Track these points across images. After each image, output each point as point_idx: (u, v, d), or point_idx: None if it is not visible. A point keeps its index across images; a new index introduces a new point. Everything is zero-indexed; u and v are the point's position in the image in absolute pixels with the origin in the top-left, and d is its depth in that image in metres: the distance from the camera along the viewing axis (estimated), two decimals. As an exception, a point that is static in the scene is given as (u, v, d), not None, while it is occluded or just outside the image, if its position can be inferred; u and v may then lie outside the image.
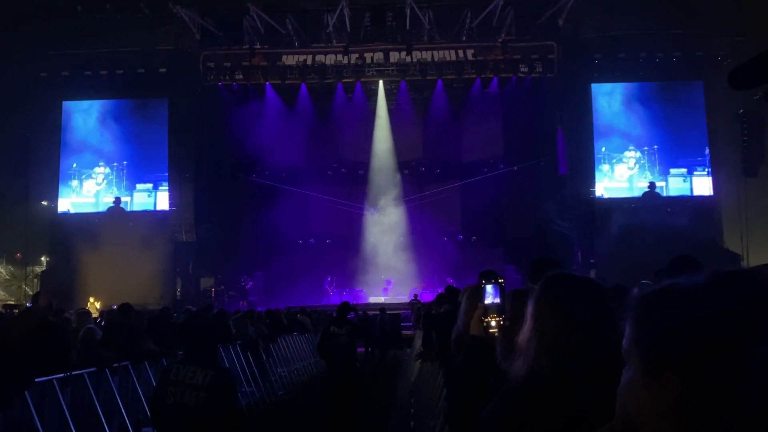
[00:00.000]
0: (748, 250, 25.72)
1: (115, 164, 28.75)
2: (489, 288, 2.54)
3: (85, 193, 28.83)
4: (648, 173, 27.66)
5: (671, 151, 27.71)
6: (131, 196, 28.66)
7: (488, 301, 2.55)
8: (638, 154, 27.78)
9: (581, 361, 1.78)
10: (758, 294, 1.01)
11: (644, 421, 1.05)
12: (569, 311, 1.86)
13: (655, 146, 27.62)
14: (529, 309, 1.94)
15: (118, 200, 28.14)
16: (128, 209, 28.33)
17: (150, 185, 28.71)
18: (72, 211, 28.64)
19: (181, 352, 6.23)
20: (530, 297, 1.99)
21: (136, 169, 28.68)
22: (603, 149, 27.76)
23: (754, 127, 26.75)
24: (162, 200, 28.54)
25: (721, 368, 0.97)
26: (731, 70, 1.11)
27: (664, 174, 27.72)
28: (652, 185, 27.22)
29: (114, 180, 28.78)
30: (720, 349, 0.98)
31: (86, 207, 28.57)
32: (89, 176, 28.84)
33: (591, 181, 27.33)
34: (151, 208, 28.53)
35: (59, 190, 28.81)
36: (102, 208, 28.30)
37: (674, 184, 27.73)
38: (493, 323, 2.50)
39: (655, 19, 26.90)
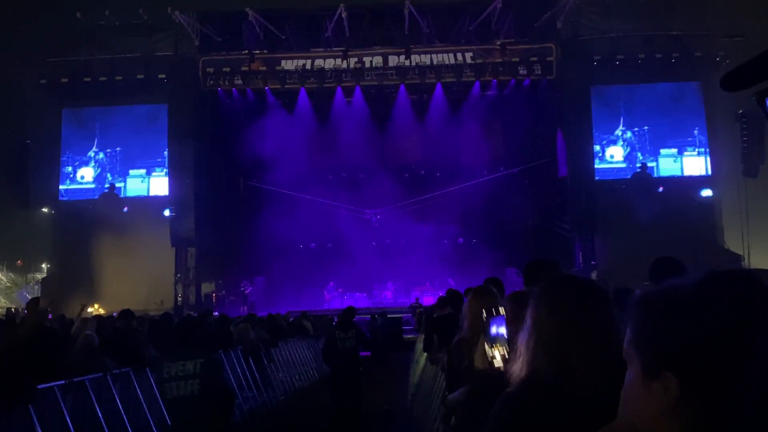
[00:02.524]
0: (749, 250, 25.69)
1: (108, 150, 28.87)
2: (492, 319, 2.39)
3: (79, 179, 28.90)
4: (639, 154, 27.86)
5: (662, 133, 27.85)
6: (125, 181, 28.80)
7: (493, 331, 2.40)
8: (629, 135, 28.04)
9: (581, 363, 1.77)
10: (754, 294, 1.01)
11: (644, 421, 1.05)
12: (568, 314, 1.84)
13: (646, 127, 27.79)
14: (529, 311, 1.93)
15: (112, 186, 28.28)
16: (122, 195, 28.49)
17: (143, 170, 28.81)
18: (66, 198, 28.77)
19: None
20: (530, 299, 1.98)
21: (129, 155, 28.77)
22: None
23: (754, 127, 26.75)
24: (155, 186, 28.66)
25: (718, 368, 0.97)
26: (724, 75, 1.12)
27: (655, 154, 27.91)
28: (643, 166, 27.34)
29: (107, 166, 28.95)
30: (717, 349, 0.98)
31: (83, 194, 28.70)
32: (84, 163, 28.94)
33: (591, 183, 27.32)
34: (145, 193, 28.66)
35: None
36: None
37: (665, 165, 27.86)
38: (498, 356, 2.37)
39: (653, 20, 26.94)
